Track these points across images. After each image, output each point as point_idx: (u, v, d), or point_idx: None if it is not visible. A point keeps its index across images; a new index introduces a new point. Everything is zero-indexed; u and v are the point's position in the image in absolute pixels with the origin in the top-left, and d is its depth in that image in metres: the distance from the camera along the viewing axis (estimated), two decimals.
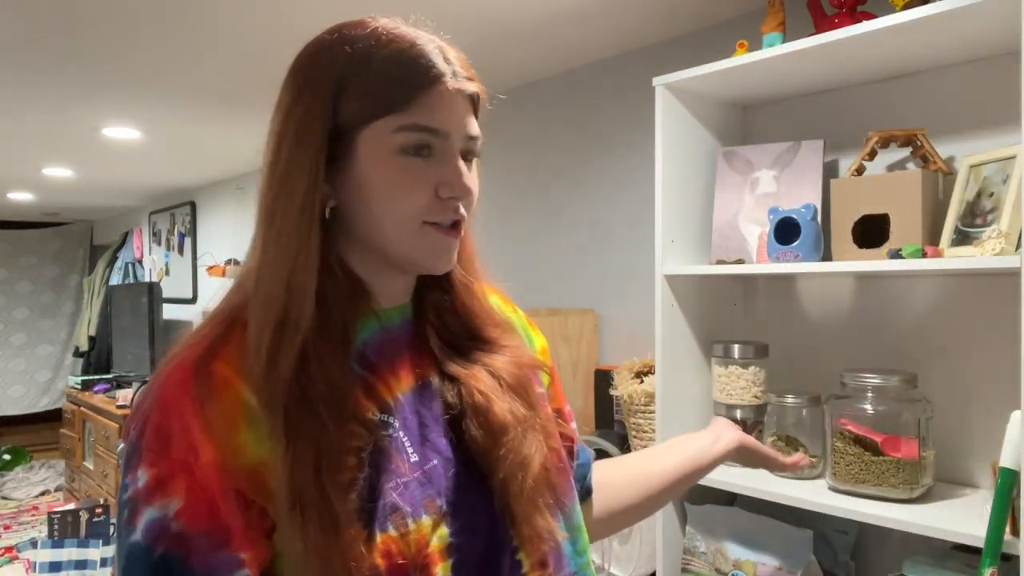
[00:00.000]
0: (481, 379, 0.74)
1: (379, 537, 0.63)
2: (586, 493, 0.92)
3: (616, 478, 0.95)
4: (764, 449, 1.06)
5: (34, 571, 3.08)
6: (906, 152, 1.54)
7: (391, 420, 0.69)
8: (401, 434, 0.69)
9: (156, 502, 0.60)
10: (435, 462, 0.70)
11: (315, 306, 0.66)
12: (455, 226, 0.71)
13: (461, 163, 0.70)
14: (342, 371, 0.66)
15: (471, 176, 0.72)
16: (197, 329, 0.69)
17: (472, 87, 0.71)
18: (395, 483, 0.66)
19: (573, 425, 0.91)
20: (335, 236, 0.71)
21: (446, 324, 0.77)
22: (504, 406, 0.73)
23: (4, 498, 5.32)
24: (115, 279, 6.04)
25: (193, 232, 4.98)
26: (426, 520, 0.66)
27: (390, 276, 0.74)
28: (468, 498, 0.70)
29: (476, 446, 0.72)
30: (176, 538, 0.60)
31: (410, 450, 0.69)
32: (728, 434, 1.02)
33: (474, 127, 0.72)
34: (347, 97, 0.68)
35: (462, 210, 0.71)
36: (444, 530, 0.67)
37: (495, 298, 0.86)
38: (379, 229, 0.70)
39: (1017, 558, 1.14)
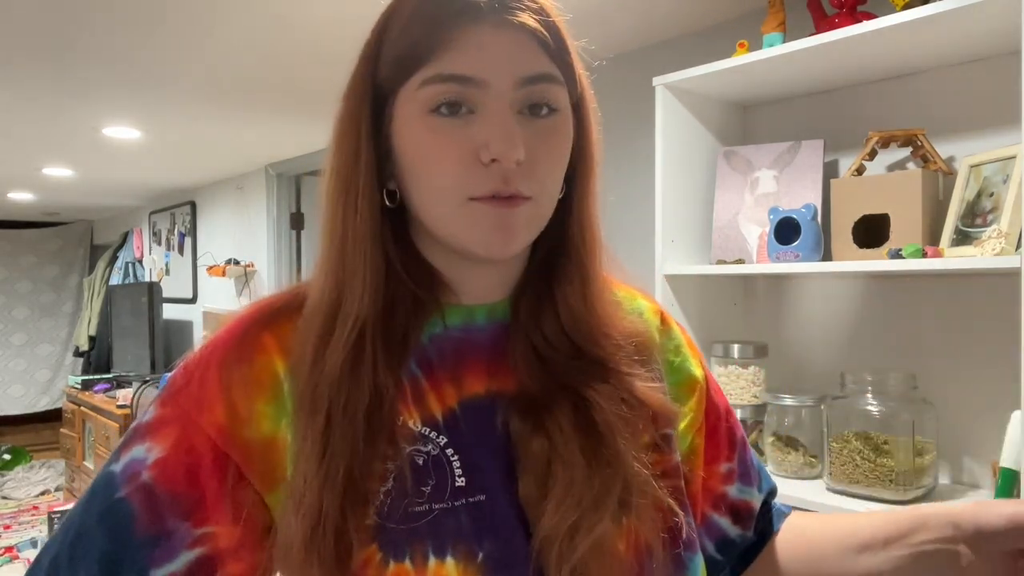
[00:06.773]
0: (559, 413, 0.59)
1: (392, 566, 0.54)
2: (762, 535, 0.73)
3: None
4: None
5: None
6: (906, 152, 1.54)
7: (432, 434, 0.58)
8: (450, 452, 0.58)
9: (145, 442, 0.56)
10: (483, 497, 0.57)
11: (381, 299, 0.58)
12: (512, 199, 0.56)
13: (509, 117, 0.55)
14: (394, 374, 0.57)
15: (541, 133, 0.57)
16: (272, 294, 0.64)
17: (525, 17, 0.55)
18: (426, 507, 0.56)
19: (754, 489, 0.73)
20: (409, 222, 0.62)
21: (544, 332, 0.62)
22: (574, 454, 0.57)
23: (4, 498, 5.32)
24: (115, 279, 6.03)
25: (193, 232, 4.98)
26: (450, 564, 0.54)
27: (471, 268, 0.62)
28: (516, 555, 0.56)
29: (526, 493, 0.58)
30: (141, 488, 0.54)
31: (458, 472, 0.58)
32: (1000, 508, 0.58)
33: (536, 65, 0.56)
34: (382, 57, 0.58)
35: (518, 181, 0.55)
36: None
37: (644, 303, 0.72)
38: (426, 210, 0.58)
39: None
